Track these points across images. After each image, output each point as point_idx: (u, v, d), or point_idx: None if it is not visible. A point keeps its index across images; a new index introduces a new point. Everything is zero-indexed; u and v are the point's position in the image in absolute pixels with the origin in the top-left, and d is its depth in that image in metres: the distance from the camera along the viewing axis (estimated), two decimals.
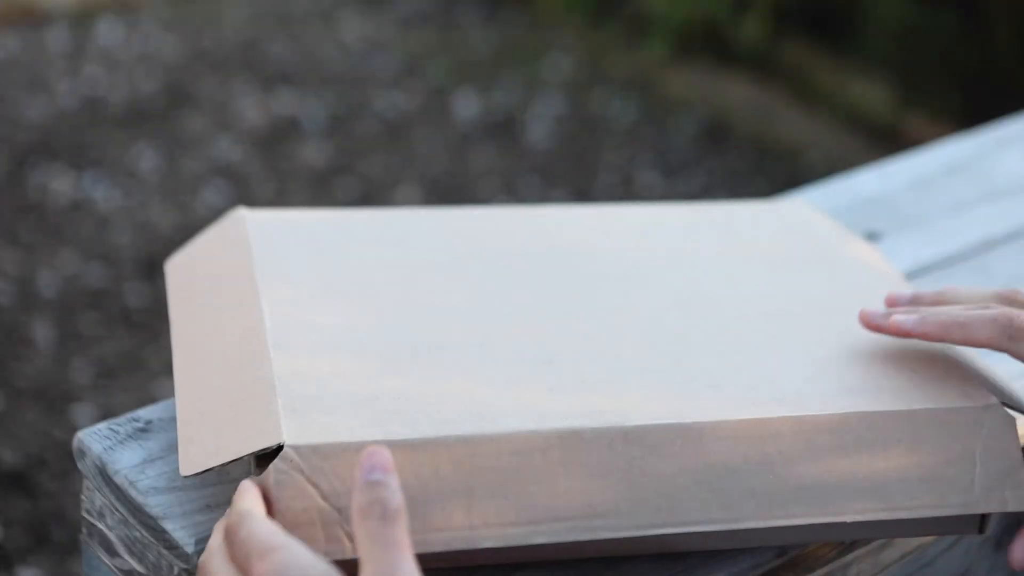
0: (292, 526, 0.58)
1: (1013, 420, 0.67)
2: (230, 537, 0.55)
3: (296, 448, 0.59)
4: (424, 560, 0.54)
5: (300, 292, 0.72)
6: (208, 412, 0.66)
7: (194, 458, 0.64)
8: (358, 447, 0.59)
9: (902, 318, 0.69)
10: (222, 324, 0.71)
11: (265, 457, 0.60)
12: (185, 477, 0.64)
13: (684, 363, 0.70)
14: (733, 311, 0.75)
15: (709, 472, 0.63)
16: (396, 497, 0.53)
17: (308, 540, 0.58)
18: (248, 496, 0.58)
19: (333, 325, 0.69)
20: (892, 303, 0.74)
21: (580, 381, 0.67)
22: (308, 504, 0.58)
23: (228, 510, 0.59)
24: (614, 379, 0.68)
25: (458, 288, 0.75)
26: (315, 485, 0.59)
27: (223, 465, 0.62)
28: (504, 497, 0.61)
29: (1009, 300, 0.70)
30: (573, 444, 0.62)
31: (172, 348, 0.72)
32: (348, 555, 0.58)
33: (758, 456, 0.64)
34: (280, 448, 0.59)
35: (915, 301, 0.73)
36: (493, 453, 0.61)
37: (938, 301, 0.72)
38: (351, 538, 0.58)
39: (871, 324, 0.72)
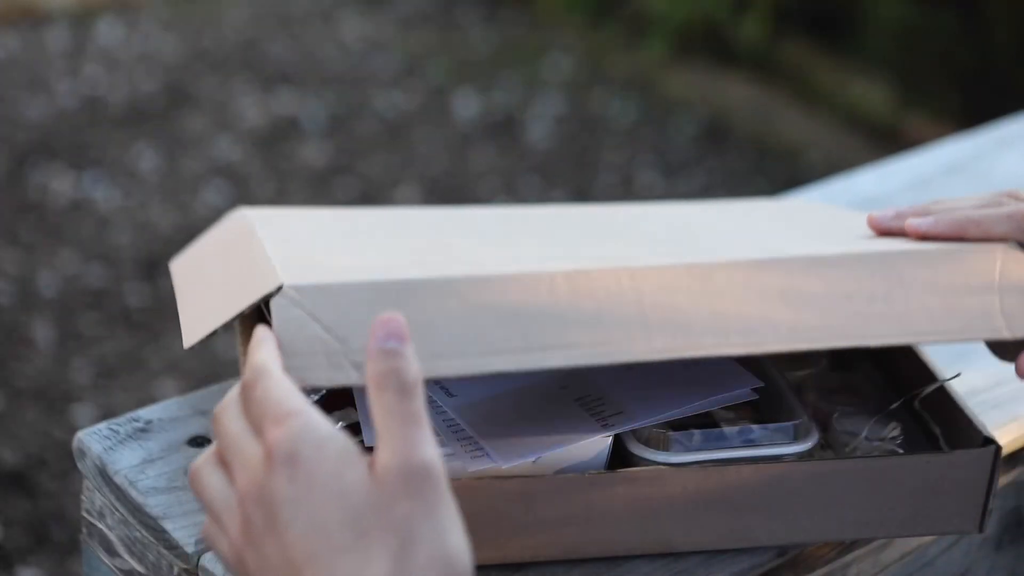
0: (294, 355, 0.57)
1: None
2: (245, 392, 0.53)
3: (295, 287, 0.59)
4: None
5: (300, 237, 0.73)
6: (208, 296, 0.67)
7: (196, 328, 0.64)
8: (358, 287, 0.59)
9: (916, 220, 0.69)
10: (224, 262, 0.72)
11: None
12: (189, 348, 0.65)
13: (690, 239, 0.72)
14: (738, 230, 0.77)
15: (721, 305, 0.63)
16: (413, 368, 0.51)
17: (310, 368, 0.57)
18: (264, 348, 0.55)
19: (332, 247, 0.71)
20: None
21: (586, 246, 0.68)
22: (310, 334, 0.58)
23: None
24: (620, 246, 0.69)
25: (460, 232, 0.77)
26: (316, 319, 0.58)
27: (225, 324, 0.62)
28: (513, 326, 0.60)
29: (1014, 197, 0.70)
30: (580, 281, 0.62)
31: (177, 299, 0.73)
32: (352, 383, 0.57)
33: (771, 291, 0.64)
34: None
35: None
36: (499, 291, 0.61)
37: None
38: (356, 367, 0.57)
39: (881, 226, 0.71)
